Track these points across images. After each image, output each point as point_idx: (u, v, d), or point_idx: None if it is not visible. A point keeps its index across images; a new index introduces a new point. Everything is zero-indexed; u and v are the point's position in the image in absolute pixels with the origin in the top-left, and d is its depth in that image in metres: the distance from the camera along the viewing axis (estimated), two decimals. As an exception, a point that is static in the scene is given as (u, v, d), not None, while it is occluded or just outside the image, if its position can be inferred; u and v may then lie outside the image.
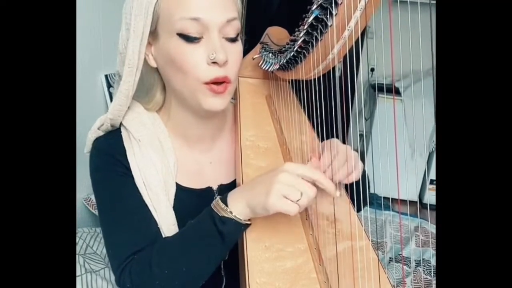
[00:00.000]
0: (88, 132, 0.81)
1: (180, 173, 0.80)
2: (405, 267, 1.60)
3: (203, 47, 0.69)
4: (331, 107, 0.68)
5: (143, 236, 0.72)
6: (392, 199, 0.81)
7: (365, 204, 0.79)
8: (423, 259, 1.61)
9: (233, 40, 0.72)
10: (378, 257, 0.69)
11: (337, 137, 0.73)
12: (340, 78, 0.66)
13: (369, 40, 2.15)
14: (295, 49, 0.75)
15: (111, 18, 1.57)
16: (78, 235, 1.40)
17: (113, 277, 0.73)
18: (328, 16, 0.65)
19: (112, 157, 0.76)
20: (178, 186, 0.79)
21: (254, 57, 0.97)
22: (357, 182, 0.74)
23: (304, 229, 0.72)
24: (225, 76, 0.71)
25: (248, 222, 0.68)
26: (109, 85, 1.68)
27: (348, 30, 0.64)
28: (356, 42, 0.66)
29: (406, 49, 0.58)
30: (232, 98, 0.90)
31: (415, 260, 1.61)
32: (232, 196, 0.68)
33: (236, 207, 0.67)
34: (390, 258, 1.62)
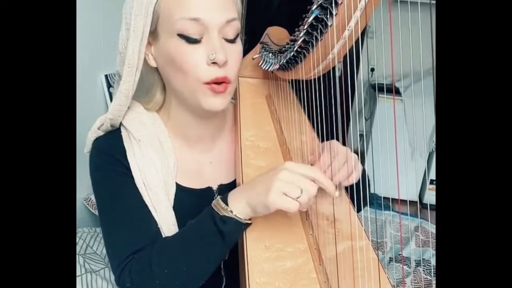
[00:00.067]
0: (88, 132, 0.81)
1: (180, 173, 0.80)
2: (405, 267, 1.60)
3: (203, 47, 0.69)
4: (331, 107, 0.68)
5: (143, 236, 0.72)
6: (392, 199, 0.81)
7: (365, 204, 0.79)
8: (423, 259, 1.61)
9: (233, 40, 0.72)
10: (378, 257, 0.68)
11: (337, 137, 0.73)
12: (340, 78, 0.66)
13: (369, 40, 2.15)
14: (295, 49, 0.75)
15: (111, 18, 1.57)
16: (78, 235, 1.40)
17: (113, 277, 0.73)
18: (328, 16, 0.65)
19: (112, 157, 0.76)
20: (178, 186, 0.79)
21: (254, 57, 0.97)
22: (357, 183, 0.74)
23: (304, 229, 0.72)
24: (225, 76, 0.71)
25: (249, 222, 0.68)
26: (109, 85, 1.68)
27: (348, 30, 0.64)
28: (356, 42, 0.66)
29: (406, 49, 0.58)
30: (232, 98, 0.90)
31: (415, 260, 1.61)
32: (232, 195, 0.68)
33: (237, 206, 0.67)
34: (390, 258, 1.62)
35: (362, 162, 0.77)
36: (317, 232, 0.72)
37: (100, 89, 1.69)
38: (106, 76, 1.68)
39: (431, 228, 1.78)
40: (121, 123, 0.80)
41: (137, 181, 0.75)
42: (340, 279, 0.64)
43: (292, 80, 0.93)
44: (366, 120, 2.67)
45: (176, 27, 0.69)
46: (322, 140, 0.77)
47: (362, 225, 0.74)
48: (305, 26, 0.69)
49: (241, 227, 0.67)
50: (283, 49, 0.80)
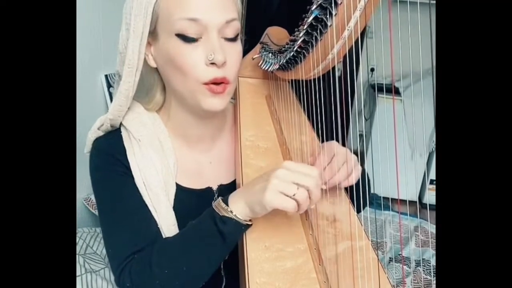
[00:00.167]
0: (88, 132, 0.81)
1: (180, 173, 0.80)
2: (405, 267, 1.60)
3: (201, 48, 0.69)
4: (331, 107, 0.68)
5: (143, 236, 0.72)
6: (392, 199, 0.81)
7: (365, 205, 0.79)
8: (423, 259, 1.61)
9: (232, 40, 0.72)
10: (378, 257, 0.69)
11: (337, 137, 0.73)
12: (340, 78, 0.67)
13: (369, 40, 2.15)
14: (295, 49, 0.75)
15: (111, 18, 1.57)
16: (78, 235, 1.40)
17: (113, 277, 0.73)
18: (327, 16, 0.65)
19: (112, 157, 0.76)
20: (178, 186, 0.79)
21: (254, 57, 0.97)
22: (357, 183, 0.74)
23: (304, 229, 0.72)
24: (223, 77, 0.70)
25: (249, 223, 0.68)
26: (109, 85, 1.68)
27: (347, 30, 0.64)
28: (356, 42, 0.66)
29: (405, 49, 0.58)
30: (232, 98, 0.90)
31: (415, 260, 1.61)
32: (233, 196, 0.68)
33: (237, 207, 0.67)
34: (390, 258, 1.62)
35: (362, 162, 0.77)
36: (317, 232, 0.72)
37: (100, 89, 1.69)
38: (106, 76, 1.68)
39: (431, 228, 1.78)
40: (121, 123, 0.80)
41: (137, 181, 0.75)
42: (340, 279, 0.64)
43: (292, 80, 0.93)
44: (366, 120, 2.67)
45: (175, 27, 0.69)
46: (322, 141, 0.77)
47: (362, 225, 0.74)
48: (305, 26, 0.69)
49: (241, 227, 0.67)
50: (283, 49, 0.80)
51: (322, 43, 0.68)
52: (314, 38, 0.70)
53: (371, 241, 0.72)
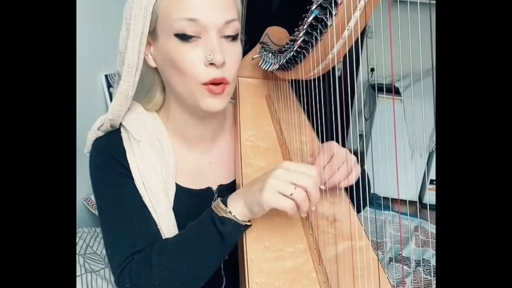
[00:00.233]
0: (88, 132, 0.81)
1: (179, 174, 0.80)
2: (405, 267, 1.60)
3: (201, 48, 0.69)
4: (331, 107, 0.68)
5: (143, 236, 0.72)
6: (392, 199, 0.81)
7: (365, 205, 0.79)
8: (423, 259, 1.61)
9: (232, 40, 0.72)
10: (378, 257, 0.69)
11: (337, 137, 0.73)
12: (340, 78, 0.66)
13: (369, 40, 2.15)
14: (295, 49, 0.75)
15: (111, 18, 1.56)
16: (78, 235, 1.40)
17: (113, 277, 0.73)
18: (327, 16, 0.65)
19: (112, 158, 0.76)
20: (178, 187, 0.79)
21: (253, 57, 0.97)
22: (357, 183, 0.74)
23: (304, 229, 0.72)
24: (222, 77, 0.70)
25: (248, 223, 0.68)
26: (109, 85, 1.68)
27: (347, 30, 0.64)
28: (356, 42, 0.66)
29: (406, 49, 0.58)
30: (231, 98, 0.90)
31: (415, 260, 1.61)
32: (232, 197, 0.68)
33: (236, 207, 0.67)
34: (390, 258, 1.62)
35: (362, 162, 0.77)
36: (317, 232, 0.72)
37: (100, 89, 1.69)
38: (106, 76, 1.68)
39: (431, 228, 1.78)
40: (121, 124, 0.80)
41: (136, 182, 0.75)
42: (340, 279, 0.64)
43: (292, 80, 0.93)
44: (366, 120, 2.67)
45: (175, 27, 0.69)
46: (322, 141, 0.77)
47: (362, 225, 0.74)
48: (305, 26, 0.69)
49: (240, 228, 0.67)
50: (283, 49, 0.80)
51: (322, 43, 0.68)
52: (314, 38, 0.70)
53: (371, 241, 0.72)
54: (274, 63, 0.86)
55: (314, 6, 0.66)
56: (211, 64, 0.69)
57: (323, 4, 0.64)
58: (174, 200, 0.78)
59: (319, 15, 0.66)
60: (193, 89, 0.71)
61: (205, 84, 0.70)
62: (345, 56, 0.70)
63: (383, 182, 0.73)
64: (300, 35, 0.71)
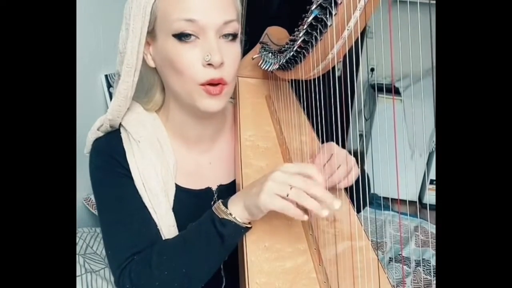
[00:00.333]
0: (88, 133, 0.81)
1: (179, 174, 0.80)
2: (405, 267, 1.60)
3: (198, 48, 0.69)
4: (330, 107, 0.68)
5: (142, 237, 0.72)
6: (392, 199, 0.81)
7: (365, 205, 0.79)
8: (423, 259, 1.61)
9: (231, 41, 0.72)
10: (378, 257, 0.69)
11: (337, 137, 0.73)
12: (340, 78, 0.66)
13: (369, 40, 2.15)
14: (295, 49, 0.75)
15: (111, 18, 1.56)
16: (78, 235, 1.40)
17: (113, 278, 0.73)
18: (327, 16, 0.65)
19: (111, 158, 0.76)
20: (178, 187, 0.79)
21: (253, 57, 0.97)
22: (357, 183, 0.74)
23: (304, 229, 0.72)
24: (220, 78, 0.70)
25: (249, 226, 0.68)
26: (109, 85, 1.68)
27: (347, 30, 0.64)
28: (356, 42, 0.66)
29: (405, 49, 0.58)
30: (231, 98, 0.90)
31: (415, 260, 1.61)
32: (232, 199, 0.68)
33: (236, 209, 0.67)
34: (390, 258, 1.62)
35: (362, 162, 0.77)
36: (317, 232, 0.72)
37: (100, 89, 1.69)
38: (106, 76, 1.68)
39: (431, 228, 1.78)
40: (120, 124, 0.80)
41: (136, 183, 0.75)
42: (340, 279, 0.64)
43: (292, 80, 0.93)
44: (366, 120, 2.67)
45: (173, 27, 0.69)
46: (322, 141, 0.77)
47: (362, 225, 0.74)
48: (305, 26, 0.69)
49: (240, 230, 0.67)
50: (283, 49, 0.80)
51: (322, 43, 0.68)
52: (314, 38, 0.70)
53: (371, 241, 0.72)
54: (274, 63, 0.86)
55: (314, 6, 0.66)
56: (209, 64, 0.69)
57: (323, 4, 0.64)
58: (174, 200, 0.78)
59: (319, 15, 0.66)
60: (191, 90, 0.71)
61: (202, 84, 0.70)
62: (345, 56, 0.70)
63: (383, 182, 0.73)
64: (300, 35, 0.71)
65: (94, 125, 0.80)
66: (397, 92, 2.42)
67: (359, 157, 0.77)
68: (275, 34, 0.95)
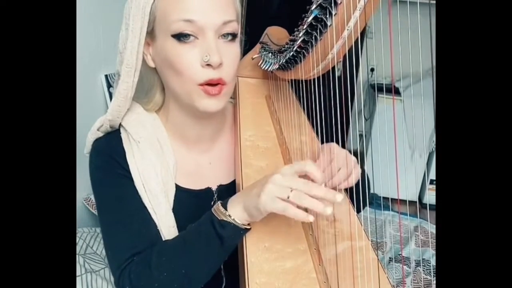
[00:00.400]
0: (88, 133, 0.81)
1: (179, 174, 0.80)
2: (405, 267, 1.60)
3: (197, 48, 0.69)
4: (330, 107, 0.68)
5: (142, 238, 0.72)
6: (391, 199, 0.81)
7: (365, 205, 0.79)
8: (423, 259, 1.61)
9: (230, 41, 0.72)
10: (378, 257, 0.69)
11: (337, 137, 0.73)
12: (339, 78, 0.66)
13: (369, 40, 2.15)
14: (295, 49, 0.75)
15: (111, 18, 1.56)
16: (78, 235, 1.40)
17: (113, 278, 0.73)
18: (327, 16, 0.65)
19: (111, 159, 0.76)
20: (178, 187, 0.79)
21: (253, 57, 0.97)
22: (357, 183, 0.74)
23: (304, 230, 0.72)
24: (219, 78, 0.70)
25: (248, 227, 0.68)
26: (109, 85, 1.68)
27: (347, 30, 0.64)
28: (356, 42, 0.66)
29: (405, 49, 0.58)
30: (231, 98, 0.90)
31: (415, 260, 1.61)
32: (232, 200, 0.68)
33: (235, 211, 0.67)
34: (390, 258, 1.62)
35: (362, 163, 0.76)
36: (317, 232, 0.72)
37: (100, 89, 1.69)
38: (106, 76, 1.68)
39: (431, 228, 1.78)
40: (120, 124, 0.79)
41: (136, 183, 0.75)
42: (340, 279, 0.64)
43: (292, 80, 0.93)
44: (366, 120, 2.67)
45: (172, 28, 0.69)
46: (322, 141, 0.77)
47: (361, 225, 0.74)
48: (305, 26, 0.69)
49: (239, 232, 0.67)
50: (283, 49, 0.80)
51: (322, 43, 0.68)
52: (314, 38, 0.70)
53: (371, 241, 0.72)
54: (274, 63, 0.86)
55: (314, 6, 0.66)
56: (207, 65, 0.69)
57: (323, 4, 0.64)
58: (174, 200, 0.78)
59: (319, 15, 0.66)
60: (189, 90, 0.71)
61: (201, 84, 0.70)
62: (345, 56, 0.70)
63: (383, 182, 0.73)
64: (300, 35, 0.71)
65: (94, 126, 0.80)
66: (397, 92, 2.42)
67: (359, 157, 0.77)
68: (275, 34, 0.95)
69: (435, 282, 1.47)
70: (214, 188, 0.83)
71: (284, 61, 0.80)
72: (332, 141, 0.75)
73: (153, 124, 0.80)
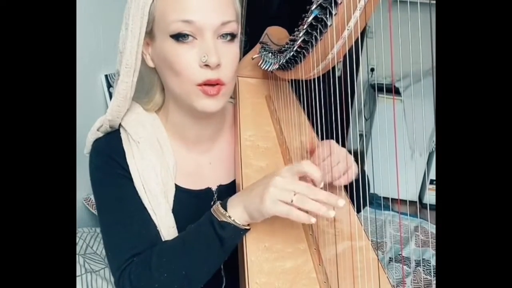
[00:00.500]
0: (88, 133, 0.81)
1: (179, 174, 0.80)
2: (405, 267, 1.60)
3: (196, 49, 0.69)
4: (331, 107, 0.68)
5: (142, 239, 0.72)
6: (392, 199, 0.81)
7: (365, 205, 0.79)
8: (423, 259, 1.61)
9: (229, 41, 0.72)
10: (378, 257, 0.69)
11: (337, 137, 0.73)
12: (340, 78, 0.66)
13: (369, 40, 2.15)
14: (295, 49, 0.75)
15: (111, 18, 1.56)
16: (78, 235, 1.40)
17: (113, 278, 0.73)
18: (327, 16, 0.65)
19: (111, 159, 0.76)
20: (177, 187, 0.79)
21: (253, 57, 0.97)
22: (357, 183, 0.74)
23: (304, 230, 0.72)
24: (217, 78, 0.70)
25: (247, 227, 0.68)
26: (109, 85, 1.68)
27: (347, 30, 0.64)
28: (356, 42, 0.66)
29: (406, 49, 0.58)
30: (231, 97, 0.90)
31: (415, 260, 1.61)
32: (231, 201, 0.68)
33: (235, 212, 0.67)
34: (390, 258, 1.62)
35: (362, 162, 0.77)
36: (317, 232, 0.72)
37: (100, 89, 1.69)
38: (106, 76, 1.68)
39: (431, 228, 1.78)
40: (120, 124, 0.79)
41: (136, 184, 0.75)
42: (340, 279, 0.64)
43: (292, 80, 0.93)
44: (366, 120, 2.67)
45: (170, 28, 0.69)
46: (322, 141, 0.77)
47: (362, 225, 0.74)
48: (305, 26, 0.69)
49: (239, 232, 0.67)
50: (283, 49, 0.80)
51: (322, 43, 0.68)
52: (314, 38, 0.70)
53: (371, 241, 0.72)
54: (274, 63, 0.86)
55: (314, 6, 0.66)
56: (206, 65, 0.69)
57: (323, 4, 0.64)
58: (174, 201, 0.78)
59: (319, 15, 0.66)
60: (188, 90, 0.71)
61: (199, 85, 0.70)
62: (345, 56, 0.70)
63: (383, 182, 0.73)
64: (300, 35, 0.71)
65: (94, 126, 0.80)
66: (397, 92, 2.42)
67: (359, 157, 0.77)
68: (275, 34, 0.95)
69: (435, 282, 1.46)
70: (214, 188, 0.83)
71: (284, 61, 0.80)
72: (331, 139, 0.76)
73: (153, 124, 0.80)
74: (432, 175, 2.65)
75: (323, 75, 0.74)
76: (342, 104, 0.65)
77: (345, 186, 0.77)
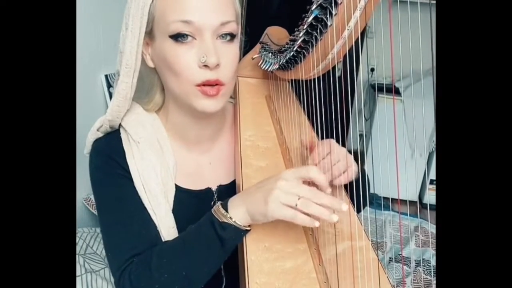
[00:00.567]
0: (88, 133, 0.81)
1: (179, 175, 0.80)
2: (405, 267, 1.60)
3: (195, 49, 0.69)
4: (331, 107, 0.68)
5: (142, 239, 0.72)
6: (392, 199, 0.81)
7: (365, 205, 0.79)
8: (423, 259, 1.61)
9: (228, 41, 0.72)
10: (378, 257, 0.69)
11: (337, 137, 0.73)
12: (340, 78, 0.66)
13: (369, 40, 2.15)
14: (295, 49, 0.75)
15: (111, 18, 1.57)
16: (78, 235, 1.40)
17: (113, 279, 0.73)
18: (327, 16, 0.65)
19: (111, 159, 0.76)
20: (177, 188, 0.79)
21: (253, 57, 0.97)
22: (357, 183, 0.74)
23: (304, 229, 0.72)
24: (216, 79, 0.70)
25: (248, 228, 0.68)
26: (109, 85, 1.68)
27: (347, 29, 0.64)
28: (356, 42, 0.66)
29: (406, 49, 0.58)
30: (231, 97, 0.90)
31: (415, 260, 1.61)
32: (232, 202, 0.68)
33: (237, 213, 0.66)
34: (390, 258, 1.62)
35: (362, 162, 0.76)
36: (317, 232, 0.72)
37: (100, 89, 1.69)
38: (106, 76, 1.68)
39: (431, 228, 1.78)
40: (120, 125, 0.79)
41: (136, 184, 0.75)
42: (340, 279, 0.64)
43: (292, 80, 0.93)
44: (366, 120, 2.67)
45: (170, 28, 0.69)
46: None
47: (362, 225, 0.74)
48: (305, 26, 0.69)
49: (240, 233, 0.67)
50: (283, 49, 0.80)
51: (322, 43, 0.68)
52: (314, 38, 0.70)
53: (371, 241, 0.72)
54: (274, 63, 0.86)
55: (314, 6, 0.66)
56: (205, 66, 0.69)
57: (323, 4, 0.64)
58: (174, 201, 0.78)
59: (319, 15, 0.66)
60: (187, 90, 0.71)
61: (198, 85, 0.70)
62: (345, 56, 0.70)
63: (383, 182, 0.73)
64: (300, 35, 0.71)
65: (94, 126, 0.80)
66: (397, 92, 2.42)
67: (359, 157, 0.77)
68: (275, 34, 0.95)
69: (435, 282, 1.47)
70: (214, 188, 0.83)
71: (284, 61, 0.80)
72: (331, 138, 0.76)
73: (153, 124, 0.80)
74: (432, 175, 2.65)
75: (323, 75, 0.74)
76: (342, 104, 0.65)
77: (345, 186, 0.77)
